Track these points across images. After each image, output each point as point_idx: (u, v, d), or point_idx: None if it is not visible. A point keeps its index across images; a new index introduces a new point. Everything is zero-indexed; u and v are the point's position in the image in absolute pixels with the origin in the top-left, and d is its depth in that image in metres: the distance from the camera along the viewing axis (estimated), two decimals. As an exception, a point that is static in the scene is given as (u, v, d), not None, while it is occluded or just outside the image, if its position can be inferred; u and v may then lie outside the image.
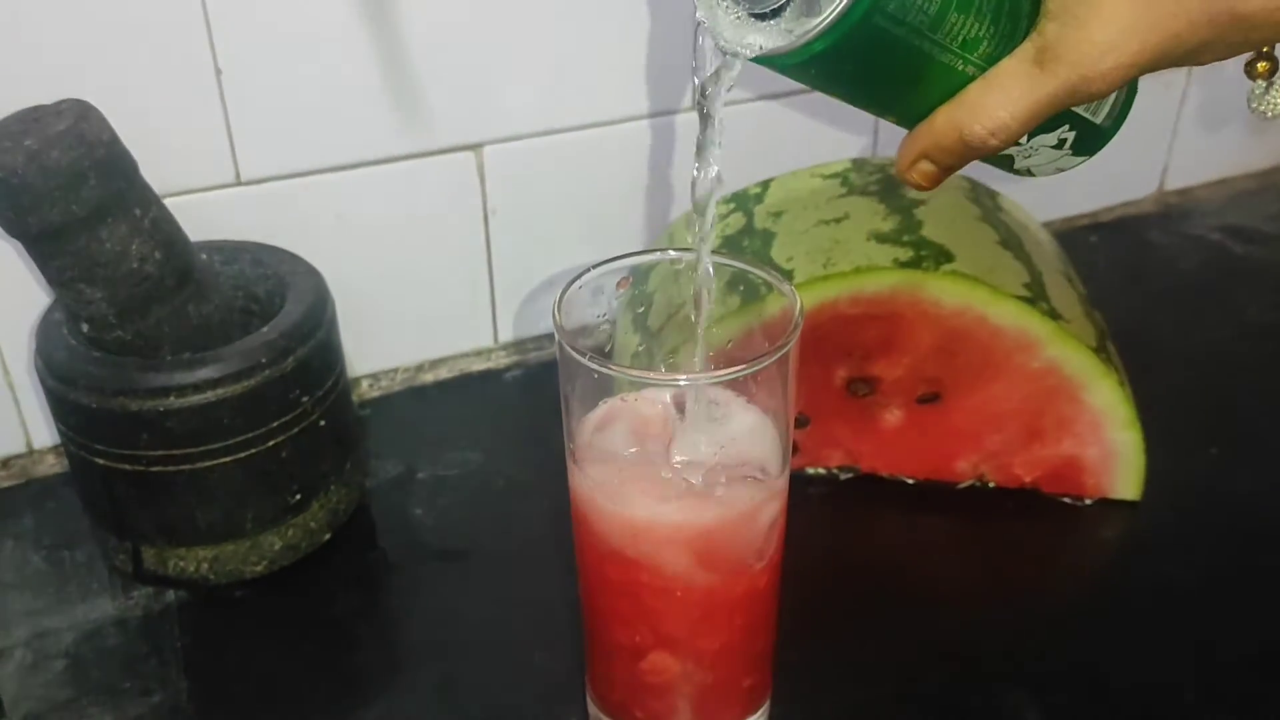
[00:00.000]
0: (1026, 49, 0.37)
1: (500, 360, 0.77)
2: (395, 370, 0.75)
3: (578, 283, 0.43)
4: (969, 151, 0.39)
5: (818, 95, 0.76)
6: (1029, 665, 0.55)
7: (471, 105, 0.68)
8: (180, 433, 0.54)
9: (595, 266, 0.43)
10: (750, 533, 0.43)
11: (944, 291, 0.58)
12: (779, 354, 0.39)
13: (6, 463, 0.68)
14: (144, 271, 0.54)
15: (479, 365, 0.77)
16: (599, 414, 0.43)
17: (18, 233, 0.51)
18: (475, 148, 0.70)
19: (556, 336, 0.41)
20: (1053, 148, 0.41)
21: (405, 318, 0.74)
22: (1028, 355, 0.59)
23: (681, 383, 0.39)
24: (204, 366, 0.54)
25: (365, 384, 0.74)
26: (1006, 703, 0.53)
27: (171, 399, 0.53)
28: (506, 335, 0.77)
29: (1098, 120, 0.42)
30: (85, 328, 0.55)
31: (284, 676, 0.55)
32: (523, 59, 0.68)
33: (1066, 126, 0.41)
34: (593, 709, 0.51)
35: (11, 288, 0.63)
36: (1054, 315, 0.59)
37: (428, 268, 0.72)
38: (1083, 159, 0.43)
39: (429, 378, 0.76)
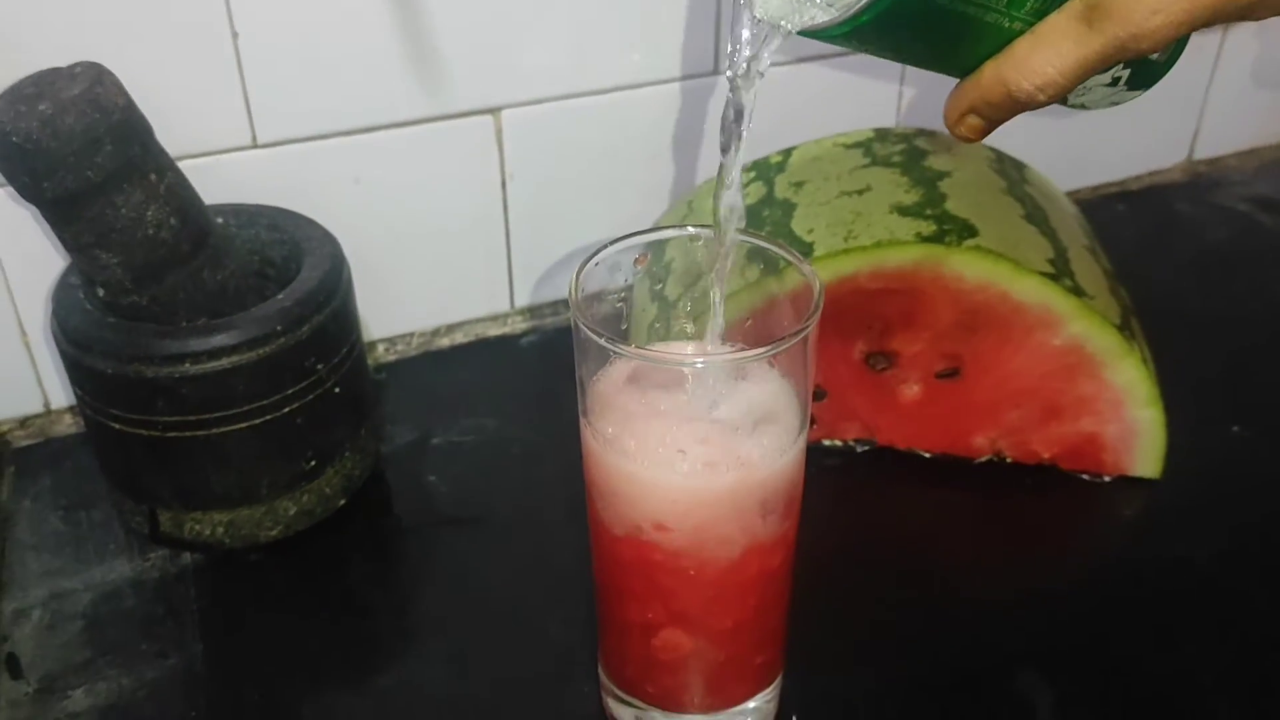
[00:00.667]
0: (1075, 6, 0.36)
1: (517, 325, 0.77)
2: (411, 334, 0.75)
3: (594, 260, 0.42)
4: (1017, 106, 0.38)
5: (841, 60, 0.75)
6: (1043, 645, 0.55)
7: (490, 68, 0.67)
8: (195, 399, 0.54)
9: (613, 243, 0.43)
10: (765, 504, 0.42)
11: (966, 267, 0.57)
12: (797, 338, 0.39)
13: (24, 422, 0.68)
14: (160, 238, 0.53)
15: (495, 330, 0.76)
16: (614, 372, 0.43)
17: (33, 198, 0.51)
18: (494, 111, 0.69)
19: (572, 316, 0.40)
20: (1107, 85, 0.41)
21: (422, 282, 0.73)
22: (1049, 332, 0.59)
23: (699, 365, 0.38)
24: (219, 334, 0.54)
25: (381, 348, 0.74)
26: (1019, 683, 0.53)
27: (187, 366, 0.53)
28: (523, 300, 0.77)
29: (1152, 56, 0.41)
30: (101, 292, 0.55)
31: (297, 643, 0.56)
32: (543, 20, 0.67)
33: (1120, 65, 0.40)
34: (605, 682, 0.51)
35: (29, 249, 0.63)
36: (1078, 292, 0.58)
37: (445, 232, 0.72)
38: (1138, 93, 0.42)
39: (445, 342, 0.75)
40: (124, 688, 0.53)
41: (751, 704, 0.49)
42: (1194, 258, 0.85)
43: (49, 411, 0.69)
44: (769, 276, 0.47)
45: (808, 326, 0.39)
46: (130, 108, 0.52)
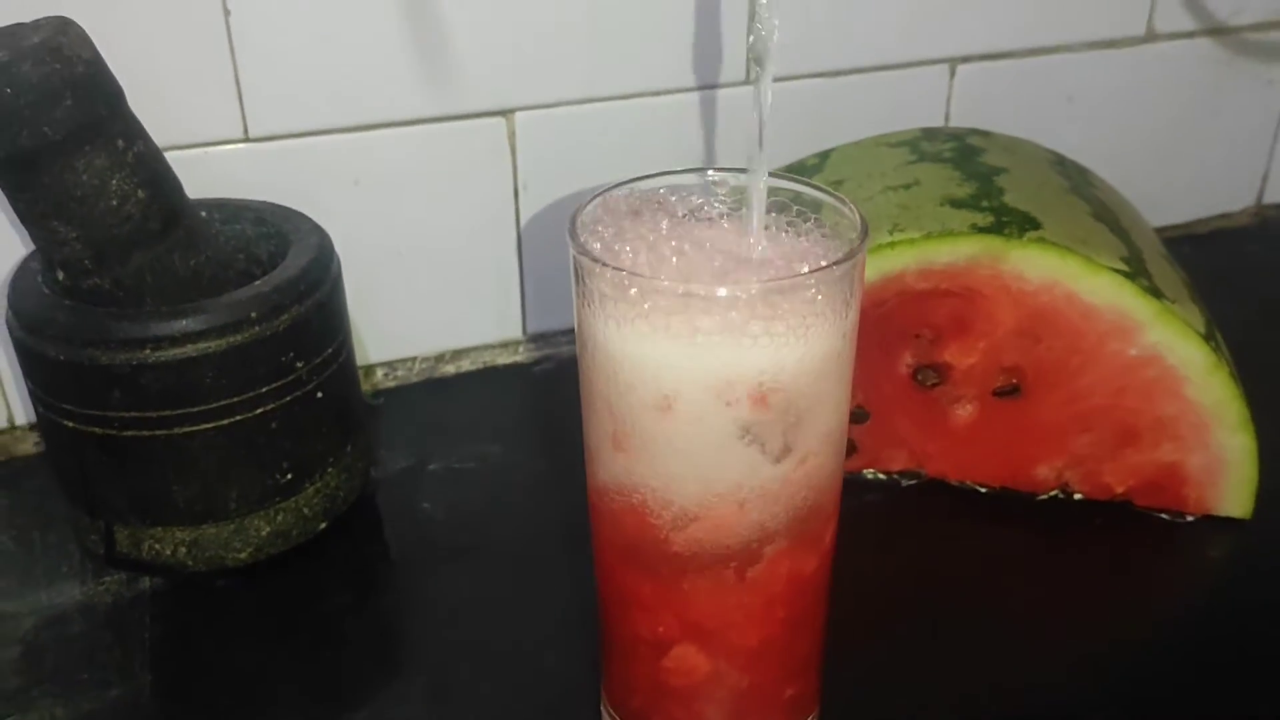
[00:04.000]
0: None
1: (529, 354, 0.70)
2: (413, 360, 0.69)
3: (597, 200, 0.36)
4: None
5: (879, 75, 0.68)
6: (1115, 711, 0.47)
7: (504, 65, 0.62)
8: (155, 391, 0.48)
9: (624, 184, 0.37)
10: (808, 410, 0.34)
11: (1029, 263, 0.51)
12: (847, 262, 0.32)
13: (-14, 440, 0.63)
14: (125, 211, 0.48)
15: (505, 358, 0.70)
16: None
17: (-16, 157, 0.46)
18: (507, 113, 0.64)
19: (573, 254, 0.34)
20: None
21: (426, 302, 0.67)
22: (1124, 341, 0.52)
23: (720, 294, 0.31)
24: (184, 318, 0.48)
25: (380, 373, 0.68)
26: None
27: (146, 352, 0.47)
28: (536, 325, 0.71)
29: None
30: (60, 275, 0.50)
31: (258, 674, 0.49)
32: (563, 16, 0.62)
33: None
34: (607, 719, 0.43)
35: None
36: (1157, 294, 0.51)
37: (452, 246, 0.66)
38: None
39: (450, 369, 0.69)
40: (56, 719, 0.46)
41: (780, 752, 0.41)
42: (1271, 303, 0.78)
43: (12, 428, 0.63)
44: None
45: (857, 253, 0.32)
46: (97, 63, 0.47)
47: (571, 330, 0.71)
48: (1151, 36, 0.76)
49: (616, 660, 0.41)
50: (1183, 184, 0.84)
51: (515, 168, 0.65)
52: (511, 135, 0.64)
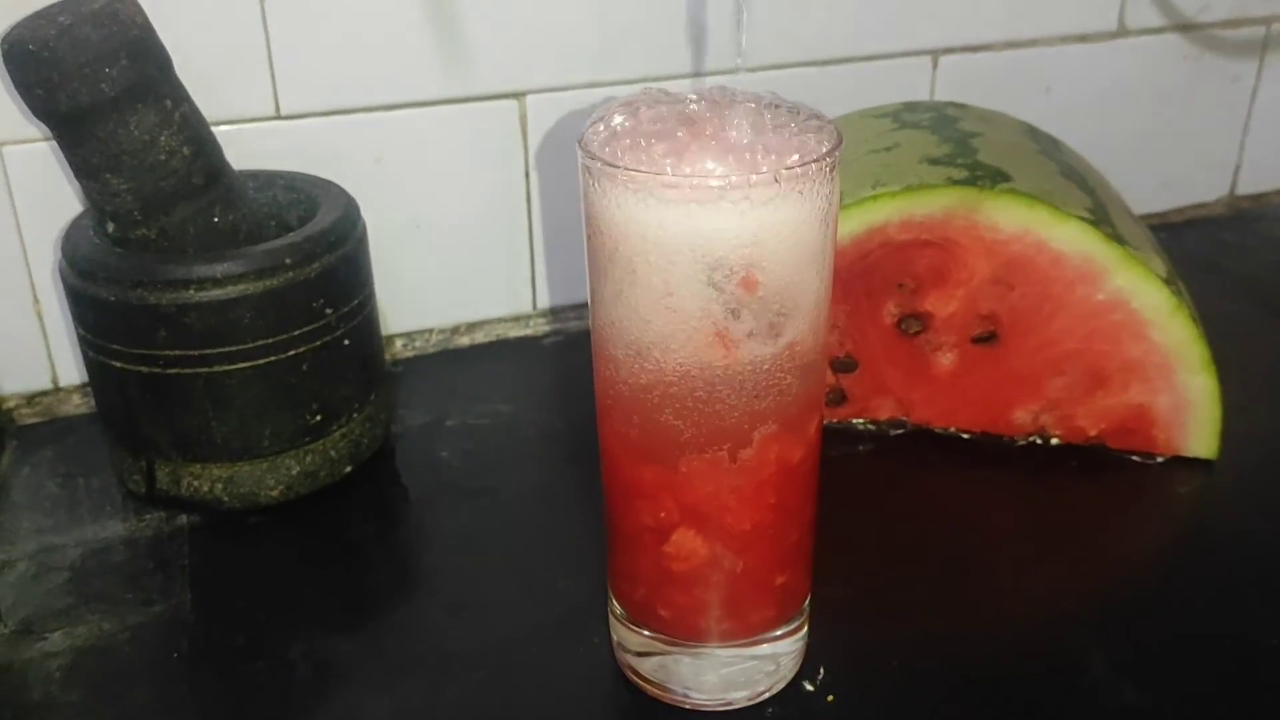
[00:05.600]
0: None
1: (539, 327, 0.75)
2: (430, 331, 0.73)
3: (600, 116, 0.40)
4: None
5: (865, 65, 0.73)
6: (1092, 639, 0.49)
7: (516, 50, 0.67)
8: (198, 330, 0.52)
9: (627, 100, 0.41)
10: (792, 280, 0.37)
11: (1001, 213, 0.55)
12: (825, 159, 0.36)
13: (32, 400, 0.67)
14: (171, 165, 0.53)
15: (517, 331, 0.74)
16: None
17: (47, 112, 0.50)
18: (519, 96, 0.69)
19: (580, 157, 0.39)
20: None
21: (442, 275, 0.72)
22: (1092, 286, 0.56)
23: (713, 184, 0.36)
24: (226, 261, 0.52)
25: (399, 343, 0.72)
26: (1074, 672, 0.48)
27: (190, 292, 0.52)
28: (546, 301, 0.75)
29: None
30: (110, 227, 0.54)
31: (291, 591, 0.52)
32: (572, 5, 0.67)
33: None
34: (614, 624, 0.47)
35: (46, 214, 0.62)
36: (1120, 240, 0.55)
37: (467, 223, 0.71)
38: None
39: (464, 341, 0.73)
40: (105, 631, 0.50)
41: (769, 648, 0.45)
42: (1242, 283, 0.82)
43: (57, 389, 0.67)
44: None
45: (833, 152, 0.37)
46: (149, 28, 0.51)
47: (580, 305, 0.76)
48: (1123, 31, 0.81)
49: (622, 554, 0.45)
50: (1159, 175, 0.89)
51: (526, 147, 0.70)
52: (523, 117, 0.69)
